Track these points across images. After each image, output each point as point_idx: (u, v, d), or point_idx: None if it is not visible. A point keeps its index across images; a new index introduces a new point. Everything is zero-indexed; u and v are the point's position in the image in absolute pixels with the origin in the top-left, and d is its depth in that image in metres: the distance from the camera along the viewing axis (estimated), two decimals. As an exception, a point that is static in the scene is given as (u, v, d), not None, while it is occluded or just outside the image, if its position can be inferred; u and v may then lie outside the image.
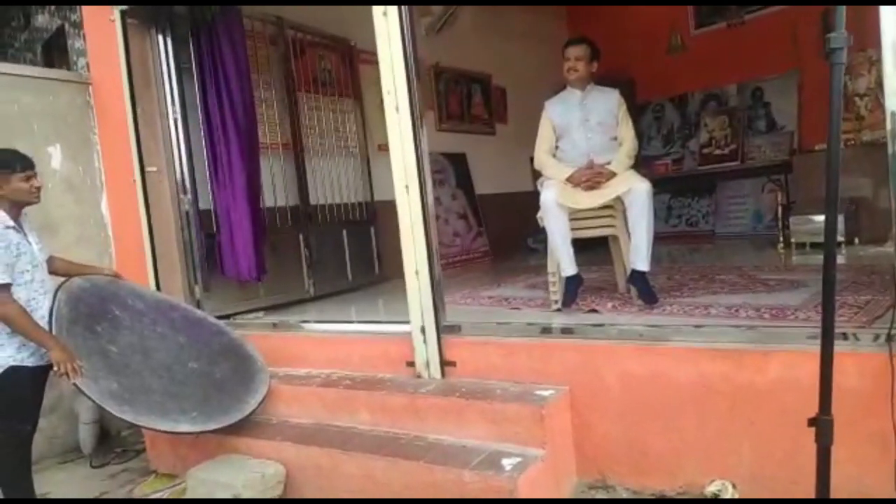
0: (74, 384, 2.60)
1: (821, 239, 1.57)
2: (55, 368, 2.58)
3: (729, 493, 2.18)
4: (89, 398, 2.62)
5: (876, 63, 2.08)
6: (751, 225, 6.21)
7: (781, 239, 4.89)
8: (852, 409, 2.03)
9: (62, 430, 3.86)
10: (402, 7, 2.81)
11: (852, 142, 4.93)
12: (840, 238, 4.43)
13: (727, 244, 5.91)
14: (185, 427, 2.76)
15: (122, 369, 2.80)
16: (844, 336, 2.21)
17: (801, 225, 4.54)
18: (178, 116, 3.93)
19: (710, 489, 2.21)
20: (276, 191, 4.47)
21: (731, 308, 2.86)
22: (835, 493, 1.59)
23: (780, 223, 5.07)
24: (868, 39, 2.12)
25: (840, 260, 4.14)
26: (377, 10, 2.84)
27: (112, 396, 2.66)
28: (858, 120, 5.06)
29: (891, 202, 2.10)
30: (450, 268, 5.51)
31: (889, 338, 2.05)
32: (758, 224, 6.14)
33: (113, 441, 3.94)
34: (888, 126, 2.06)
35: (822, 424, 1.42)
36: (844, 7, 1.31)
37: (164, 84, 3.89)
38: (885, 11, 2.01)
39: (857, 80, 5.15)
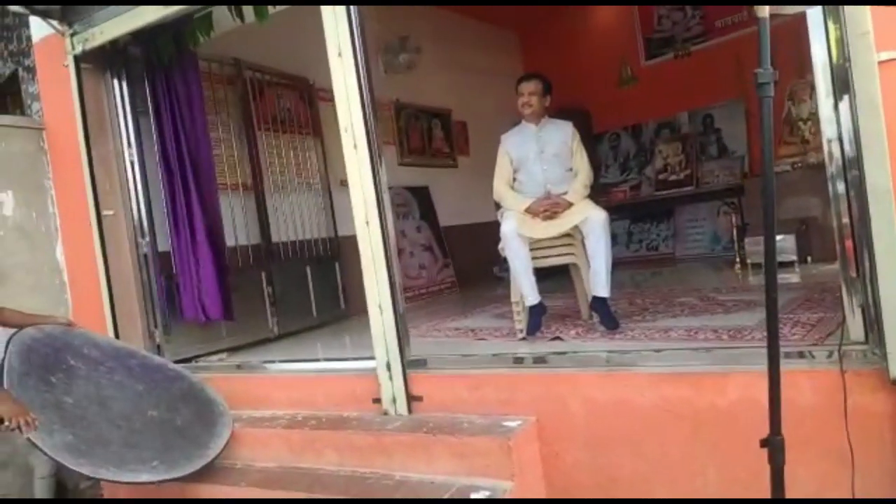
0: (28, 438, 2.51)
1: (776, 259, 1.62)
2: (6, 423, 2.49)
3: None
4: (44, 452, 2.53)
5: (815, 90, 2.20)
6: (709, 247, 6.36)
7: (738, 260, 5.01)
8: (810, 427, 2.08)
9: (17, 485, 3.69)
10: (357, 47, 2.86)
11: (799, 164, 5.12)
12: (792, 257, 4.57)
13: (687, 267, 6.04)
14: (145, 477, 2.67)
15: (77, 421, 2.72)
16: (801, 354, 2.27)
17: (755, 246, 4.65)
18: (135, 159, 3.88)
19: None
20: (237, 230, 4.43)
21: (691, 331, 2.92)
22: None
23: (736, 245, 5.20)
24: (808, 67, 2.23)
25: (794, 279, 4.26)
26: (332, 50, 2.88)
27: (68, 449, 2.57)
28: (804, 143, 5.27)
29: (834, 222, 2.20)
30: (417, 300, 5.51)
31: (840, 353, 2.11)
32: (716, 246, 6.30)
33: (71, 495, 3.78)
34: (825, 150, 2.16)
35: (773, 444, 1.45)
36: (768, 44, 1.38)
37: (119, 127, 3.86)
38: (816, 42, 2.12)
39: (800, 106, 5.37)
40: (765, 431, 1.64)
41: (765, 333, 2.63)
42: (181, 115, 3.89)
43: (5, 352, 2.64)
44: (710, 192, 6.32)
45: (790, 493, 1.63)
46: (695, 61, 6.52)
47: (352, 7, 2.86)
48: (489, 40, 7.12)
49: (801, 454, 1.89)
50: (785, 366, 1.65)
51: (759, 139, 1.36)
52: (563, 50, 7.07)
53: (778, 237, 1.73)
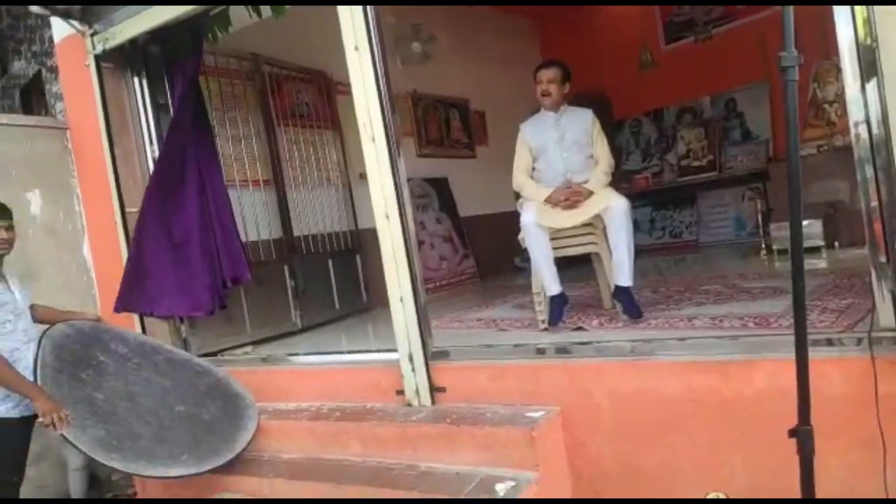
0: (62, 434, 2.56)
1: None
2: (41, 419, 2.55)
3: None
4: (77, 448, 2.59)
5: (841, 71, 2.14)
6: (734, 232, 6.27)
7: (763, 245, 4.94)
8: (840, 416, 2.05)
9: (51, 477, 3.79)
10: (374, 40, 2.85)
11: (825, 147, 5.01)
12: (819, 242, 4.48)
13: (711, 253, 5.96)
14: (176, 472, 2.73)
15: (108, 416, 2.77)
16: (829, 342, 2.23)
17: (780, 231, 4.58)
18: (157, 155, 3.93)
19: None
20: (259, 225, 4.48)
21: (716, 318, 2.88)
22: (825, 501, 1.59)
23: (761, 230, 5.12)
24: (833, 48, 2.17)
25: (821, 264, 4.18)
26: (349, 44, 2.87)
27: (100, 445, 2.62)
28: (830, 126, 5.15)
29: (862, 206, 2.15)
30: (438, 291, 5.51)
31: (870, 340, 2.07)
32: (741, 231, 6.21)
33: (103, 486, 3.87)
34: (852, 133, 2.11)
35: (801, 435, 1.43)
36: (792, 26, 1.35)
37: (140, 124, 3.91)
38: (842, 22, 2.07)
39: (826, 88, 5.26)
40: (793, 420, 1.62)
41: (791, 321, 2.61)
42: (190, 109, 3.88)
43: (39, 347, 2.69)
44: (733, 177, 6.23)
45: (820, 482, 1.61)
46: (717, 44, 6.40)
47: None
48: (505, 28, 7.06)
49: (830, 443, 1.86)
50: (813, 354, 1.62)
51: (783, 122, 1.33)
52: (582, 35, 6.99)
53: (804, 222, 1.68)
